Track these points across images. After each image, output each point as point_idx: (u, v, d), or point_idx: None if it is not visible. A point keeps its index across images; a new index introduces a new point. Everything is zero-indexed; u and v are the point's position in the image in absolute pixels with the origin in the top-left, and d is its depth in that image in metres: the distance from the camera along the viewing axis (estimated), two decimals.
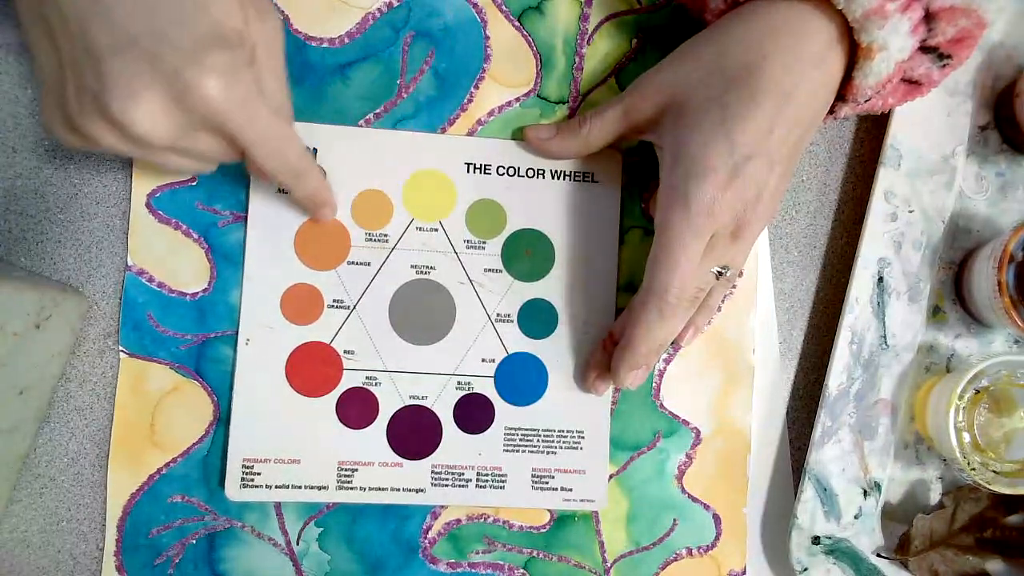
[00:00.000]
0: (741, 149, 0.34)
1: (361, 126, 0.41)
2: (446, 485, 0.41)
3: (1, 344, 0.35)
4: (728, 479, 0.44)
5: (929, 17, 0.33)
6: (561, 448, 0.42)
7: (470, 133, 0.42)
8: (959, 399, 0.40)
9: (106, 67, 0.28)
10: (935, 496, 0.44)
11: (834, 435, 0.42)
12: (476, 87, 0.42)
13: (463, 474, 0.41)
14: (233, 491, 0.40)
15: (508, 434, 0.42)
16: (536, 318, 0.42)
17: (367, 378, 0.41)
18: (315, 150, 0.41)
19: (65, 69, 0.30)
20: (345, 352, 0.41)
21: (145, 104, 0.29)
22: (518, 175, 0.42)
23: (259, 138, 0.32)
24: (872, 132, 0.45)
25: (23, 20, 0.32)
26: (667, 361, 0.43)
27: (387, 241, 0.41)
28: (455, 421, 0.41)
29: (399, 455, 0.41)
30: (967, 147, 0.44)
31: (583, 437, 0.42)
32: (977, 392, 0.41)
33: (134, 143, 0.31)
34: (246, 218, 0.41)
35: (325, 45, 0.41)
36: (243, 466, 0.40)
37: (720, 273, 0.36)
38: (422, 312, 0.41)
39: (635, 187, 0.43)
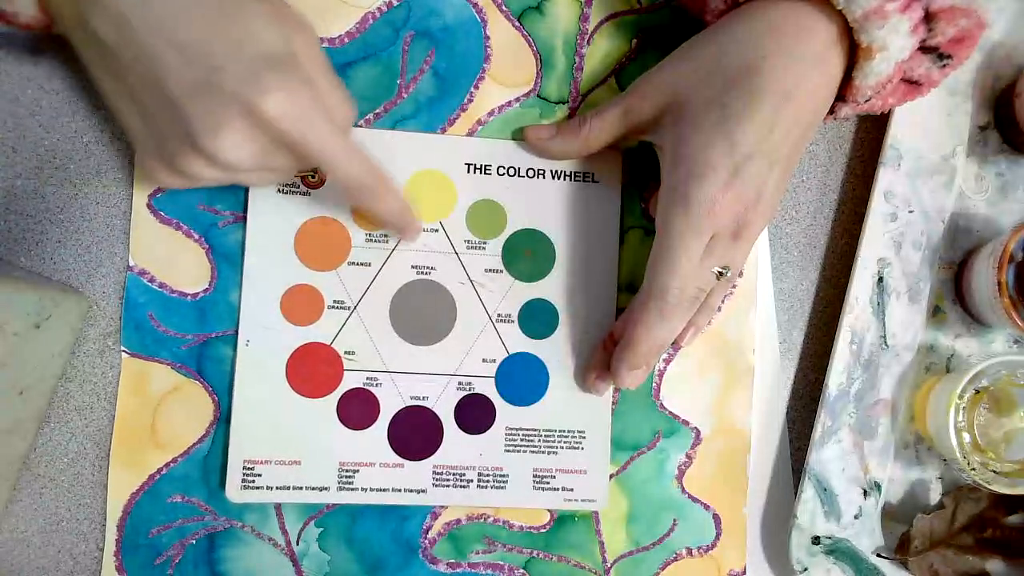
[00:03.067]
0: (741, 149, 0.34)
1: (361, 126, 0.41)
2: (447, 485, 0.41)
3: (1, 344, 0.35)
4: (728, 479, 0.44)
5: (929, 17, 0.33)
6: (562, 448, 0.42)
7: (470, 133, 0.42)
8: (959, 399, 0.40)
9: (186, 111, 0.31)
10: (935, 496, 0.44)
11: (834, 435, 0.42)
12: (476, 87, 0.42)
13: (464, 474, 0.41)
14: (234, 493, 0.40)
15: (509, 434, 0.42)
16: (537, 318, 0.42)
17: (368, 379, 0.41)
18: None
19: (151, 121, 0.33)
20: (346, 353, 0.41)
21: (228, 134, 0.32)
22: (518, 175, 0.42)
23: (321, 151, 0.33)
24: (872, 132, 0.45)
25: (102, 88, 0.35)
26: (667, 361, 0.43)
27: (387, 241, 0.41)
28: (456, 421, 0.41)
29: (400, 456, 0.41)
30: (967, 147, 0.44)
31: (584, 437, 0.42)
32: (977, 392, 0.41)
33: (227, 170, 0.33)
34: (246, 218, 0.40)
35: (325, 45, 0.41)
36: (244, 467, 0.40)
37: (720, 273, 0.36)
38: (423, 313, 0.41)
39: (635, 187, 0.43)
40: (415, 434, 0.41)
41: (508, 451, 0.42)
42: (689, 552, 0.43)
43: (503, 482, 0.42)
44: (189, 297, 0.41)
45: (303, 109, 0.32)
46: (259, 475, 0.40)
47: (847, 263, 0.43)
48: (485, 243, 0.42)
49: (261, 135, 0.32)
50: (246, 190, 0.41)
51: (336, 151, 0.34)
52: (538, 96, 0.43)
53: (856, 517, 0.43)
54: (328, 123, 0.33)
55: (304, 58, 0.33)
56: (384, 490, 0.41)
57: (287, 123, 0.32)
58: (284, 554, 0.41)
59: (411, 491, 0.41)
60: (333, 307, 0.41)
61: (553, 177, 0.42)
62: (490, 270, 0.42)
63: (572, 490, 0.42)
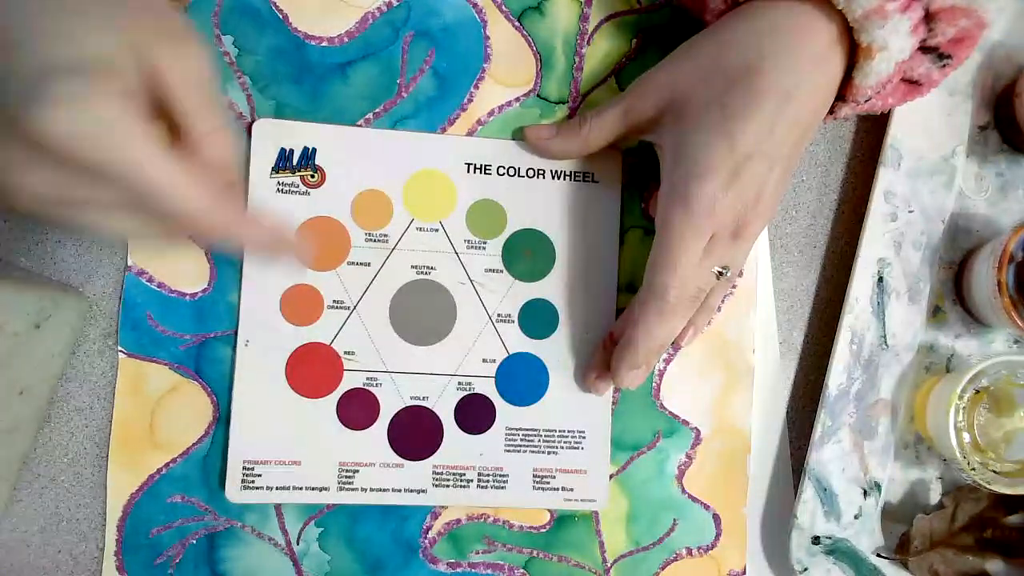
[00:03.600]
0: (741, 149, 0.34)
1: (361, 126, 0.41)
2: (447, 486, 0.41)
3: (1, 344, 0.35)
4: (728, 479, 0.44)
5: (929, 17, 0.33)
6: (562, 448, 0.42)
7: (470, 133, 0.42)
8: (959, 399, 0.40)
9: None
10: (935, 496, 0.44)
11: (834, 435, 0.42)
12: (476, 87, 0.42)
13: (464, 474, 0.41)
14: (234, 493, 0.40)
15: (509, 434, 0.42)
16: (537, 318, 0.42)
17: (368, 379, 0.41)
18: (315, 150, 0.41)
19: None
20: (345, 353, 0.41)
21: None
22: (518, 175, 0.42)
23: (119, 175, 0.26)
24: (872, 132, 0.45)
25: None
26: (667, 361, 0.43)
27: (387, 241, 0.41)
28: (456, 421, 0.41)
29: (400, 456, 0.41)
30: (967, 147, 0.44)
31: (584, 437, 0.42)
32: (977, 392, 0.41)
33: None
34: None
35: (324, 44, 0.41)
36: (243, 468, 0.40)
37: (720, 273, 0.36)
38: (423, 312, 0.41)
39: (635, 187, 0.43)
40: (415, 434, 0.41)
41: (508, 451, 0.42)
42: (689, 552, 0.43)
43: (503, 482, 0.42)
44: (188, 297, 0.41)
45: (93, 129, 0.25)
46: (259, 475, 0.40)
47: (847, 263, 0.43)
48: (485, 243, 0.42)
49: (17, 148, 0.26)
50: (246, 191, 0.40)
51: (137, 180, 0.26)
52: (538, 96, 0.43)
53: (856, 517, 0.43)
54: (139, 145, 0.26)
55: (167, 77, 0.28)
56: (384, 490, 0.41)
57: (58, 141, 0.25)
58: (284, 554, 0.41)
59: (411, 491, 0.41)
60: (333, 307, 0.41)
61: (553, 177, 0.42)
62: (490, 270, 0.42)
63: (572, 490, 0.42)
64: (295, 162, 0.41)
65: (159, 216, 0.28)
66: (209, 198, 0.28)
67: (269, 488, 0.40)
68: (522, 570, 0.42)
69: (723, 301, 0.43)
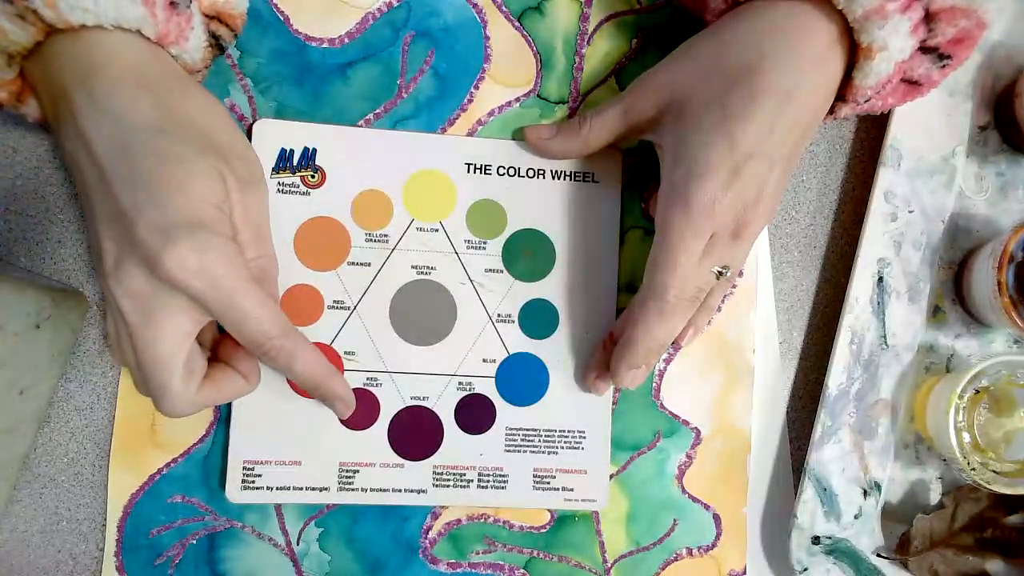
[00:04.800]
0: (741, 149, 0.34)
1: (361, 126, 0.41)
2: (448, 486, 0.41)
3: (1, 344, 0.35)
4: (728, 479, 0.44)
5: (929, 17, 0.33)
6: (562, 448, 0.42)
7: (470, 133, 0.42)
8: (959, 399, 0.40)
9: (99, 235, 0.32)
10: (935, 496, 0.44)
11: (834, 435, 0.42)
12: (476, 87, 0.42)
13: (465, 475, 0.41)
14: (234, 493, 0.40)
15: (509, 434, 0.42)
16: (537, 318, 0.42)
17: (368, 379, 0.41)
18: (315, 150, 0.41)
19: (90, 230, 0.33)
20: (346, 353, 0.41)
21: (126, 275, 0.31)
22: (518, 175, 0.42)
23: (226, 310, 0.32)
24: (872, 132, 0.45)
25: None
26: (667, 361, 0.43)
27: (387, 241, 0.41)
28: (456, 422, 0.41)
29: (400, 456, 0.41)
30: (967, 147, 0.44)
31: (584, 437, 0.42)
32: (977, 392, 0.41)
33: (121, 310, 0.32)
34: None
35: (325, 45, 0.41)
36: (244, 468, 0.40)
37: (720, 273, 0.36)
38: (423, 313, 0.41)
39: (635, 187, 0.43)
40: (415, 434, 0.41)
41: (508, 451, 0.42)
42: (689, 552, 0.43)
43: (503, 482, 0.42)
44: None
45: (213, 266, 0.31)
46: (259, 475, 0.40)
47: (847, 263, 0.43)
48: (485, 243, 0.42)
49: (159, 287, 0.31)
50: None
51: (246, 308, 0.33)
52: (538, 96, 0.43)
53: (856, 517, 0.43)
54: (242, 280, 0.32)
55: (238, 217, 0.34)
56: (384, 490, 0.41)
57: (189, 278, 0.31)
58: (284, 554, 0.41)
59: (411, 491, 0.41)
60: (333, 307, 0.41)
61: (553, 177, 0.42)
62: (490, 270, 0.42)
63: (572, 490, 0.42)
64: (296, 162, 0.41)
65: (238, 335, 0.34)
66: (281, 324, 0.34)
67: (269, 488, 0.40)
68: (522, 570, 0.42)
69: (723, 301, 0.43)
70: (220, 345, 0.37)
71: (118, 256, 0.31)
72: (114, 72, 0.32)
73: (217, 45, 0.37)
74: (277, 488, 0.40)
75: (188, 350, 0.33)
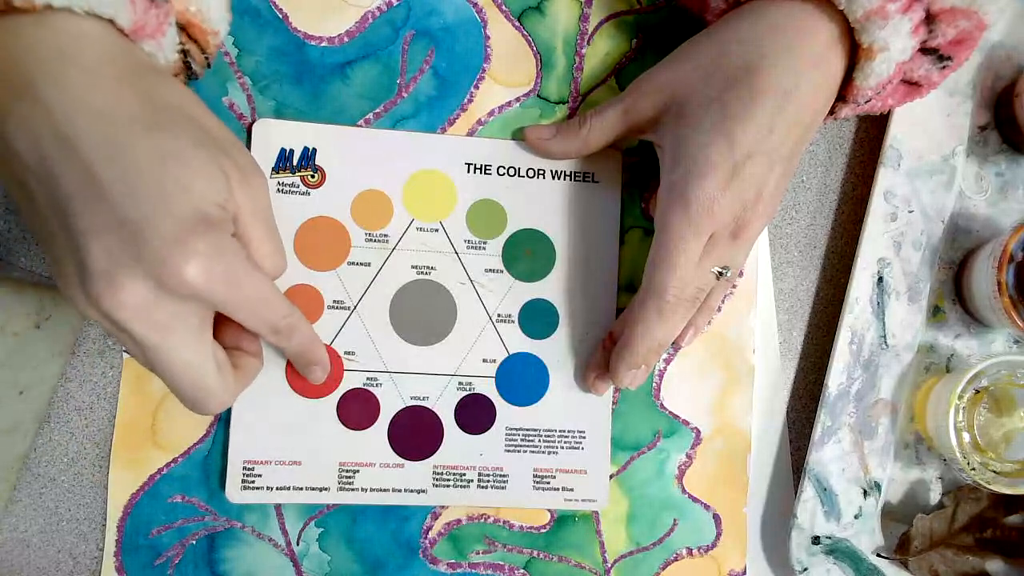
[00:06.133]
0: (741, 148, 0.34)
1: (361, 126, 0.41)
2: (448, 486, 0.41)
3: (1, 344, 0.35)
4: (728, 479, 0.44)
5: (930, 18, 0.33)
6: (562, 448, 0.42)
7: (470, 133, 0.42)
8: (959, 399, 0.40)
9: (86, 251, 0.28)
10: (935, 496, 0.44)
11: (834, 435, 0.42)
12: (476, 87, 0.42)
13: (465, 475, 0.41)
14: (234, 493, 0.40)
15: (509, 434, 0.42)
16: (537, 318, 0.42)
17: (368, 379, 0.41)
18: (315, 150, 0.41)
19: (48, 242, 0.29)
20: (346, 353, 0.41)
21: (127, 292, 0.28)
22: (518, 175, 0.42)
23: (241, 304, 0.31)
24: (872, 132, 0.45)
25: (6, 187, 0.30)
26: (667, 361, 0.43)
27: (387, 241, 0.41)
28: (456, 422, 0.41)
29: (400, 456, 0.41)
30: (967, 147, 0.44)
31: (584, 437, 0.42)
32: (977, 392, 0.41)
33: (114, 325, 0.29)
34: None
35: (324, 44, 0.41)
36: (244, 468, 0.40)
37: (720, 273, 0.36)
38: (423, 313, 0.41)
39: (635, 187, 0.43)
40: (415, 434, 0.41)
41: (508, 451, 0.42)
42: (689, 552, 0.43)
43: (503, 482, 0.42)
44: None
45: (224, 270, 0.29)
46: (259, 475, 0.40)
47: (847, 263, 0.43)
48: (485, 243, 0.42)
49: (165, 297, 0.29)
50: None
51: (261, 297, 0.32)
52: (538, 96, 0.43)
53: (856, 517, 0.43)
54: (251, 272, 0.31)
55: (244, 211, 0.32)
56: (384, 490, 0.41)
57: (205, 288, 0.29)
58: (284, 554, 0.41)
59: (411, 491, 0.41)
60: (333, 307, 0.41)
61: (553, 177, 0.42)
62: (490, 270, 0.42)
63: (572, 490, 0.42)
64: (295, 162, 0.41)
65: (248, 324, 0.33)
66: (289, 319, 0.34)
67: (269, 488, 0.40)
68: (522, 570, 0.42)
69: (723, 301, 0.43)
70: (223, 331, 0.36)
71: (109, 270, 0.28)
72: (87, 63, 0.28)
73: (186, 63, 0.35)
74: (277, 488, 0.40)
75: (210, 344, 0.32)
